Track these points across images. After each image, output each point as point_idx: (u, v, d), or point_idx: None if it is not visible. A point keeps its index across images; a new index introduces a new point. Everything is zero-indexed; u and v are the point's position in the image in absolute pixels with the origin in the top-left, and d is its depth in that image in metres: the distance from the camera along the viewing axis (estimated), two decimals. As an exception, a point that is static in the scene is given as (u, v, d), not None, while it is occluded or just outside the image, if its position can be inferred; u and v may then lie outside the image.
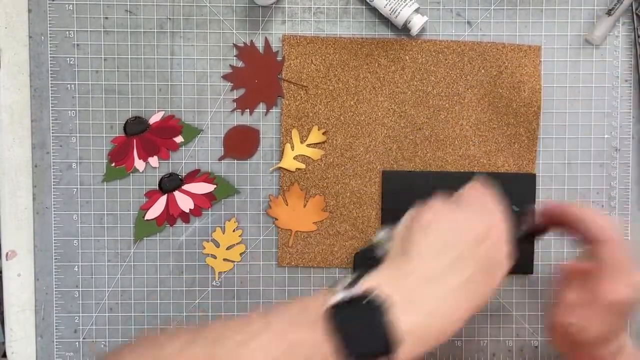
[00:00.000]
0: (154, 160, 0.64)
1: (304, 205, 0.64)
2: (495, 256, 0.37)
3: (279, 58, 0.64)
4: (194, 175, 0.64)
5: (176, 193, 0.64)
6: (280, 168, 0.64)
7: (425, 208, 0.41)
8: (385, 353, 0.31)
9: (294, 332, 0.33)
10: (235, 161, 0.65)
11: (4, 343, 0.66)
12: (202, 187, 0.64)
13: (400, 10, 0.61)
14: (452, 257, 0.35)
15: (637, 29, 0.64)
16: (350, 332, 0.31)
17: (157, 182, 0.64)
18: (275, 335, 0.33)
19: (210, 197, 0.64)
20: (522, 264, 0.65)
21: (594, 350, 0.43)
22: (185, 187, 0.64)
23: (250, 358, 0.32)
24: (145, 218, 0.64)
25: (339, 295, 0.33)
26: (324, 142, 0.64)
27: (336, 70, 0.64)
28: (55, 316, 0.64)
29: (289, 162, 0.64)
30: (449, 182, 0.64)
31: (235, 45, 0.64)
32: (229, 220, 0.65)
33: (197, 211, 0.64)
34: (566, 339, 0.44)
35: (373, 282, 0.34)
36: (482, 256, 0.36)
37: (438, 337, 0.33)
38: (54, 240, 0.64)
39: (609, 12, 0.63)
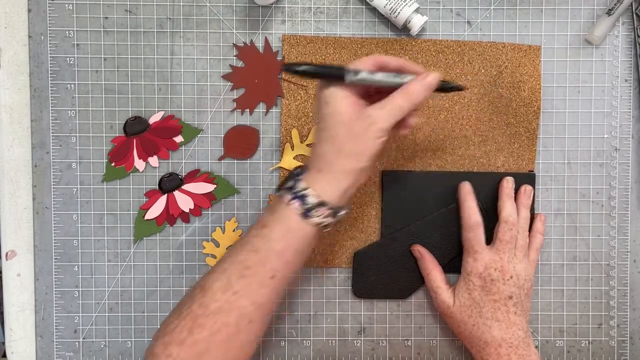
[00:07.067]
0: (153, 160, 0.64)
1: (304, 205, 0.64)
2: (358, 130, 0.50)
3: (279, 58, 0.64)
4: (194, 175, 0.64)
5: (176, 193, 0.64)
6: (280, 168, 0.64)
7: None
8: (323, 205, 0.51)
9: (279, 222, 0.51)
10: (235, 161, 0.65)
11: (4, 343, 0.66)
12: (202, 187, 0.64)
13: (400, 10, 0.61)
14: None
15: (637, 29, 0.64)
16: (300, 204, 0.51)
17: (157, 182, 0.64)
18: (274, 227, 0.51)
19: (210, 197, 0.64)
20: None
21: None
22: (185, 187, 0.64)
23: (275, 244, 0.51)
24: (145, 218, 0.64)
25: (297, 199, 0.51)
26: (324, 142, 0.64)
27: (336, 70, 0.64)
28: (55, 316, 0.64)
29: (289, 161, 0.64)
30: (449, 182, 0.64)
31: (235, 45, 0.64)
32: (229, 220, 0.65)
33: (197, 211, 0.64)
34: None
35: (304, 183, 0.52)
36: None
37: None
38: (54, 240, 0.64)
39: (609, 12, 0.63)
